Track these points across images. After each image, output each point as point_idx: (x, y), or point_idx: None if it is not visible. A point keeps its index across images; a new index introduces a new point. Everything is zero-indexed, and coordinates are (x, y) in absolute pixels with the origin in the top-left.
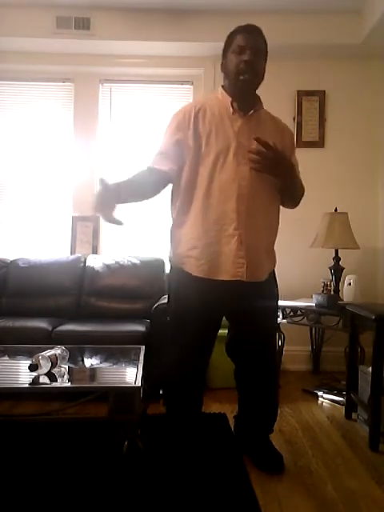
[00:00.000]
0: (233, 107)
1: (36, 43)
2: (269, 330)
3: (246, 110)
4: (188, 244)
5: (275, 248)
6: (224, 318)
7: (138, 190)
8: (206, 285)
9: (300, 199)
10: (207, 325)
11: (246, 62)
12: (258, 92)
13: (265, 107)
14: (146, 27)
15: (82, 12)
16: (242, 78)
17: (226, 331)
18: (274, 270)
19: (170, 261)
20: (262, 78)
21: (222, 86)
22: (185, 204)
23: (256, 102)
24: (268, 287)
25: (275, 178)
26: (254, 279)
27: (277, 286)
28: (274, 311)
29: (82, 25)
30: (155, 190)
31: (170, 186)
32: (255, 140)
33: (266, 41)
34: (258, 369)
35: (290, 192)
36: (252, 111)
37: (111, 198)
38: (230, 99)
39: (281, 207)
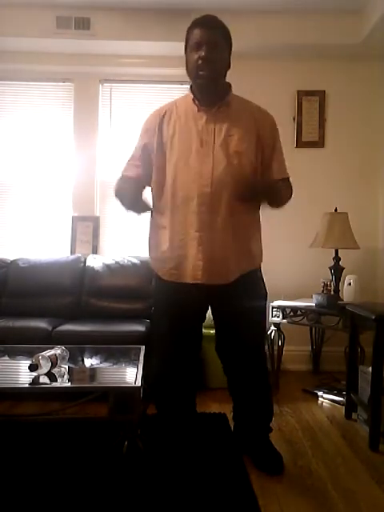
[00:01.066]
0: (196, 105)
1: (36, 43)
2: (252, 331)
3: (211, 105)
4: (160, 248)
5: (275, 248)
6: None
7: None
8: (176, 289)
9: (286, 203)
10: (181, 328)
11: (202, 58)
12: (257, 92)
13: (265, 107)
14: (145, 27)
15: (81, 12)
16: (200, 73)
17: None
18: (255, 270)
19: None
20: (228, 67)
21: (190, 86)
22: (156, 208)
23: (224, 94)
24: (245, 288)
25: (258, 203)
26: (214, 281)
27: (261, 286)
28: (256, 311)
29: (82, 25)
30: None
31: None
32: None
33: (224, 29)
34: (243, 369)
35: (274, 205)
36: (217, 106)
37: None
38: (192, 97)
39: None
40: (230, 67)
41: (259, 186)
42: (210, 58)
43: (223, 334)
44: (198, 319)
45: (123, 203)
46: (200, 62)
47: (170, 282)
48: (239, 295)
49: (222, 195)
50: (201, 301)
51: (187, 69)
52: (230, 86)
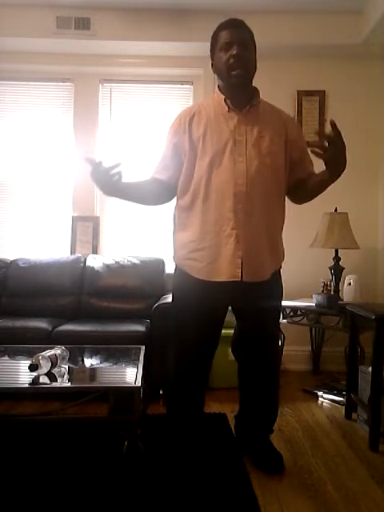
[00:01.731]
0: (227, 105)
1: (36, 43)
2: (271, 330)
3: (242, 106)
4: (189, 246)
5: None
6: (227, 318)
7: (136, 193)
8: (206, 287)
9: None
10: (207, 327)
11: (234, 56)
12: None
13: None
14: (145, 27)
15: (81, 12)
16: (234, 73)
17: (232, 331)
18: (278, 270)
19: (174, 262)
20: (255, 70)
21: (218, 86)
22: (185, 207)
23: (253, 96)
24: (271, 287)
25: (333, 171)
26: (252, 279)
27: (281, 287)
28: (276, 312)
29: (82, 25)
30: (157, 197)
31: None
32: (330, 123)
33: (251, 32)
34: (260, 368)
35: (322, 190)
36: (248, 107)
37: (103, 172)
38: (223, 97)
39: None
40: (256, 70)
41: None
42: (242, 56)
43: (244, 332)
44: (221, 318)
45: (128, 189)
46: (232, 60)
47: (201, 281)
48: (266, 294)
49: (257, 194)
50: (227, 300)
51: (217, 70)
52: (257, 90)
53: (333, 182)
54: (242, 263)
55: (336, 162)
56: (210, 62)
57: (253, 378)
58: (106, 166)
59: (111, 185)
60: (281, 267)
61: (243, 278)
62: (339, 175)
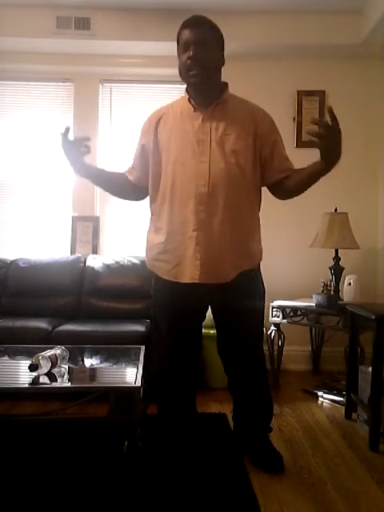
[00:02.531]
0: (192, 104)
1: (36, 43)
2: (250, 328)
3: (207, 104)
4: (157, 248)
5: (275, 248)
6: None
7: (106, 182)
8: (175, 288)
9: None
10: (181, 327)
11: (190, 57)
12: (258, 92)
13: (265, 107)
14: (145, 27)
15: (81, 12)
16: (190, 73)
17: None
18: (254, 268)
19: (147, 264)
20: (220, 65)
21: (187, 87)
22: (155, 209)
23: (219, 93)
24: (243, 287)
25: (329, 160)
26: (212, 281)
27: (260, 285)
28: (255, 310)
29: (82, 25)
30: (125, 193)
31: None
32: (328, 110)
33: (213, 28)
34: (243, 368)
35: (312, 182)
36: (214, 104)
37: (71, 147)
38: (187, 97)
39: (280, 205)
40: (223, 64)
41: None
42: (197, 57)
43: (223, 333)
44: (197, 318)
45: (100, 175)
46: (189, 61)
47: (169, 282)
48: (238, 294)
49: (219, 194)
50: (200, 300)
51: (179, 71)
52: (226, 84)
53: (327, 172)
54: (200, 265)
55: (331, 150)
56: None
57: (238, 378)
58: (73, 138)
59: (77, 157)
60: (257, 266)
61: (202, 279)
62: (334, 165)
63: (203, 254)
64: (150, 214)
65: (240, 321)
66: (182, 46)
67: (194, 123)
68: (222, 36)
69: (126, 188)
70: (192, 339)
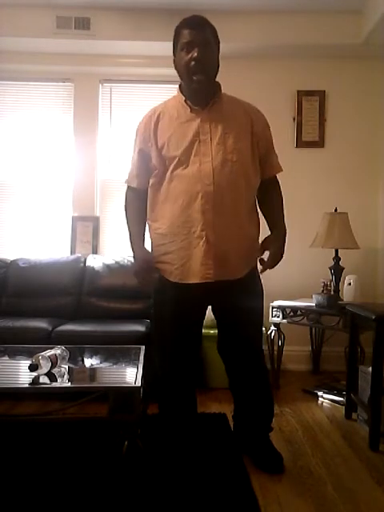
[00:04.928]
0: (188, 105)
1: (36, 43)
2: (253, 326)
3: (204, 104)
4: (161, 249)
5: None
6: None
7: (143, 217)
8: (180, 289)
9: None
10: (185, 328)
11: (195, 59)
12: (258, 92)
13: (265, 107)
14: (146, 27)
15: (81, 12)
16: (195, 78)
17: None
18: (255, 267)
19: None
20: (217, 69)
21: (180, 85)
22: (156, 210)
23: (214, 92)
24: (248, 285)
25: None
26: (224, 278)
27: (259, 283)
28: (256, 308)
29: (82, 25)
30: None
31: None
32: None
33: (214, 30)
34: (244, 367)
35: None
36: (210, 104)
37: (150, 262)
38: (184, 98)
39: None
40: (218, 68)
41: (280, 252)
42: (202, 59)
43: (225, 331)
44: (199, 318)
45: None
46: (193, 63)
47: (174, 283)
48: (242, 292)
49: (225, 193)
50: (202, 299)
51: (177, 70)
52: (219, 84)
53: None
54: (213, 264)
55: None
56: (173, 57)
57: (240, 378)
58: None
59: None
60: (256, 265)
61: (215, 278)
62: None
63: (215, 254)
64: (150, 215)
65: (242, 319)
66: (184, 45)
67: (193, 124)
68: (219, 38)
69: (143, 206)
70: (194, 338)
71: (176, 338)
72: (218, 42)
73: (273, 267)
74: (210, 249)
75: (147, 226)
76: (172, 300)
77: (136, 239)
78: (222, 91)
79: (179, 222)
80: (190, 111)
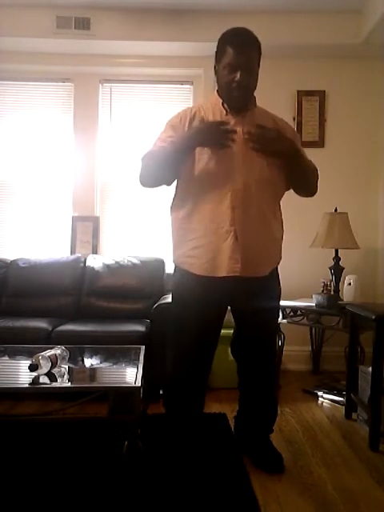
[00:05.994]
0: (225, 108)
1: (36, 43)
2: (271, 327)
3: (239, 111)
4: (189, 244)
5: None
6: (227, 318)
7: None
8: (207, 283)
9: (314, 184)
10: (207, 326)
11: (237, 82)
12: (257, 92)
13: (265, 107)
14: (146, 27)
15: (82, 12)
16: (234, 95)
17: (232, 331)
18: (276, 268)
19: (174, 262)
20: (256, 82)
21: (217, 91)
22: (183, 205)
23: (250, 102)
24: (269, 284)
25: (279, 156)
26: (250, 274)
27: (279, 285)
28: (275, 309)
29: (82, 25)
30: (171, 175)
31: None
32: (257, 127)
33: (259, 48)
34: (259, 369)
35: (300, 175)
36: (245, 111)
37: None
38: (221, 101)
39: (282, 203)
40: (257, 81)
41: (285, 137)
42: (244, 84)
43: (242, 332)
44: (221, 318)
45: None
46: (234, 85)
47: (202, 277)
48: (263, 292)
49: (253, 191)
50: (226, 298)
51: (218, 83)
52: (254, 96)
53: (290, 165)
54: (240, 259)
55: (273, 148)
56: (214, 63)
57: (252, 378)
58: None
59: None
60: (278, 265)
61: (242, 272)
62: (286, 155)
63: (243, 249)
64: (174, 212)
65: (263, 320)
66: (228, 65)
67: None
68: (261, 50)
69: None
70: (214, 338)
71: (198, 336)
72: (260, 58)
73: (260, 136)
74: (237, 244)
75: (174, 219)
76: (197, 297)
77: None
78: (257, 104)
79: (210, 217)
80: (226, 114)
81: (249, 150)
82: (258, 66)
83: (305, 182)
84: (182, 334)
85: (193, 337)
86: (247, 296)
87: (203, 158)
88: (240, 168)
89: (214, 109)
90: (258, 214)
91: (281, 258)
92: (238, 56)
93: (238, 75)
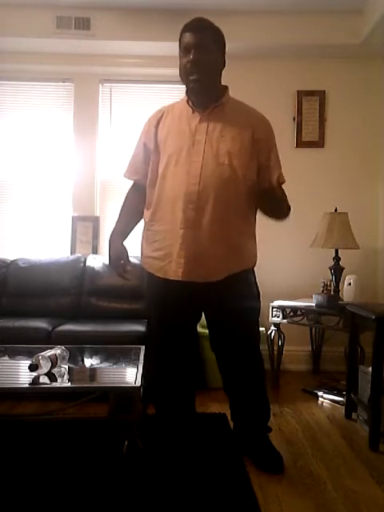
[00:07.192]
0: (190, 106)
1: (36, 43)
2: (242, 329)
3: (205, 106)
4: (153, 246)
5: (275, 248)
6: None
7: (136, 213)
8: (168, 285)
9: (282, 218)
10: (171, 325)
11: (191, 61)
12: (258, 92)
13: (265, 107)
14: (146, 27)
15: (82, 12)
16: (191, 78)
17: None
18: (247, 270)
19: (140, 262)
20: (221, 69)
21: (187, 89)
22: (149, 206)
23: (218, 96)
24: (234, 288)
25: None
26: (195, 279)
27: (252, 287)
28: (247, 311)
29: (82, 25)
30: (142, 204)
31: None
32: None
33: (215, 32)
34: (236, 369)
35: (273, 213)
36: (211, 107)
37: (123, 256)
38: (186, 99)
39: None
40: (223, 67)
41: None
42: (197, 61)
43: (215, 333)
44: (189, 317)
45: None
46: (189, 65)
47: (161, 279)
48: (229, 295)
49: (210, 194)
50: (190, 299)
51: (180, 73)
52: (226, 88)
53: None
54: (184, 263)
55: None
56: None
57: (232, 379)
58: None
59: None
60: (250, 268)
61: (186, 277)
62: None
63: (187, 252)
64: (144, 213)
65: (231, 322)
66: (183, 50)
67: (192, 124)
68: (224, 39)
69: (140, 199)
70: (185, 338)
71: (164, 335)
72: (223, 44)
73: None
74: (183, 248)
75: (144, 220)
76: (158, 295)
77: (117, 233)
78: (230, 95)
79: (168, 219)
80: (192, 112)
81: (211, 150)
82: (219, 52)
83: (272, 215)
84: (153, 334)
85: (160, 336)
86: (210, 299)
87: (164, 159)
88: (198, 168)
89: (182, 107)
90: (215, 217)
91: (251, 261)
92: (190, 36)
93: (192, 53)
